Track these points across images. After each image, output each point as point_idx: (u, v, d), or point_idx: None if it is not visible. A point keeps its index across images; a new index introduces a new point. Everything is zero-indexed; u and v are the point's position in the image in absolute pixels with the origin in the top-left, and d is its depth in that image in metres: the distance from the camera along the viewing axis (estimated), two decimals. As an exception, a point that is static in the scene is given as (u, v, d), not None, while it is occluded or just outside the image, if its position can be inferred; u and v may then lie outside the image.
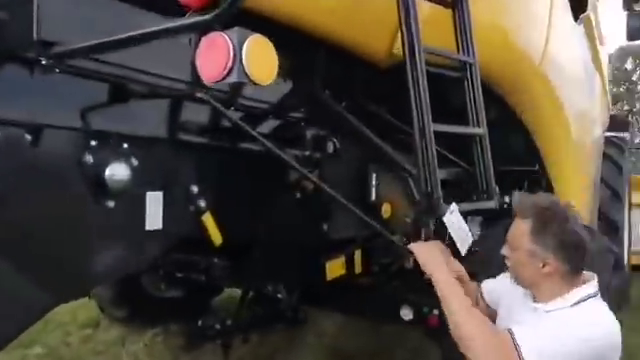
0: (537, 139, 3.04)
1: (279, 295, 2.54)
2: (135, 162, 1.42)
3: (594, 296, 1.40)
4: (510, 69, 2.52)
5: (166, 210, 1.52)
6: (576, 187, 3.51)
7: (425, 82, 1.61)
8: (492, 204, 1.76)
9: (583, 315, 1.34)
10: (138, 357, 3.61)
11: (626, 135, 5.57)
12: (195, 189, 1.62)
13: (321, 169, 2.15)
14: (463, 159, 2.26)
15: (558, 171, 3.31)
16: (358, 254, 2.53)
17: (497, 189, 1.76)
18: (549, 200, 1.50)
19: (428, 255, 1.55)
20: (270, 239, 2.15)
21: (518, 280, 1.48)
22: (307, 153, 2.12)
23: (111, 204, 1.36)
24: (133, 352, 3.69)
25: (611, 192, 4.56)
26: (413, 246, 1.60)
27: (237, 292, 5.16)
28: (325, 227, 2.21)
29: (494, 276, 1.74)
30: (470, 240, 1.59)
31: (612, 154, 4.78)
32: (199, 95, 1.47)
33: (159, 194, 1.51)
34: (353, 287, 2.78)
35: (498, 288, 1.69)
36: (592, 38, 4.19)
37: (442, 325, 2.42)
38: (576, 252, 1.38)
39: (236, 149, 1.83)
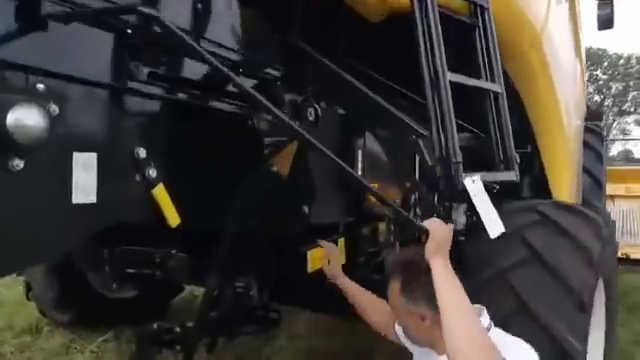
0: (531, 115, 2.81)
1: (250, 292, 2.15)
2: (55, 109, 1.02)
3: (490, 328, 1.35)
4: (512, 32, 2.24)
5: (102, 178, 1.13)
6: (567, 173, 3.30)
7: (438, 21, 1.29)
8: (512, 175, 1.46)
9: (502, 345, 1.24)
10: (83, 368, 3.14)
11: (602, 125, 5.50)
12: (143, 153, 1.23)
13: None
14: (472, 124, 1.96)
15: (551, 154, 3.09)
16: (342, 243, 2.19)
17: (517, 158, 1.45)
18: (412, 253, 1.45)
19: (442, 237, 1.28)
20: (241, 223, 1.77)
21: (414, 342, 1.48)
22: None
23: (19, 164, 0.96)
24: (78, 362, 3.22)
25: (592, 180, 4.42)
26: (431, 223, 1.29)
27: (200, 291, 4.80)
28: (306, 209, 1.86)
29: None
30: (499, 220, 1.27)
31: (592, 142, 4.65)
32: (153, 25, 1.09)
33: (92, 156, 1.11)
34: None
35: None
36: (575, 23, 4.04)
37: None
38: None
39: (199, 107, 1.46)
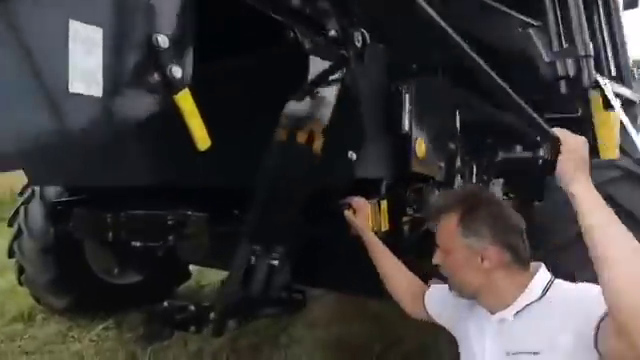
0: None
1: (274, 262, 1.81)
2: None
3: (554, 280, 1.17)
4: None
5: (108, 64, 0.81)
6: (614, 134, 3.00)
7: None
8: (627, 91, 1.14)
9: (564, 295, 1.11)
10: (83, 356, 2.81)
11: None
12: (164, 42, 0.91)
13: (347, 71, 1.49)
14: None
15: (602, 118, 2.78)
16: (385, 206, 1.87)
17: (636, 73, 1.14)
18: (471, 187, 1.37)
19: (578, 150, 1.01)
20: (276, 173, 1.46)
21: (462, 290, 1.26)
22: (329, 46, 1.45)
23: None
24: (76, 351, 2.89)
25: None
26: (562, 132, 0.98)
27: (208, 279, 4.48)
28: (353, 155, 1.54)
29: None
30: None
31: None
32: None
33: (97, 30, 0.79)
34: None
35: (445, 305, 1.43)
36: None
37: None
38: (515, 235, 1.18)
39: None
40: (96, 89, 0.78)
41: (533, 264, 1.22)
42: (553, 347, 1.04)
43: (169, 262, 3.13)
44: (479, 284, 1.20)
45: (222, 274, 2.97)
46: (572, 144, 1.02)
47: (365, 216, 1.74)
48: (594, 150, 2.77)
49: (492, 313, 1.20)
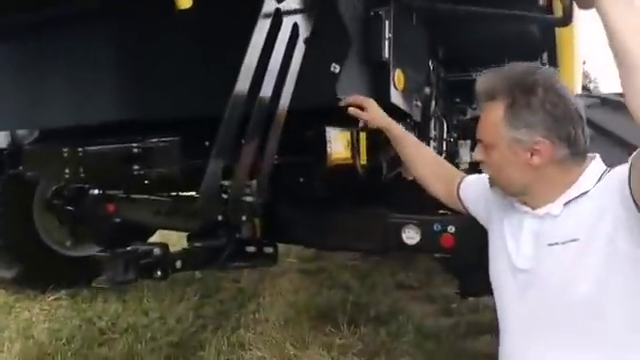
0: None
1: (248, 194, 1.66)
2: None
3: (609, 171, 1.01)
4: None
5: None
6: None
7: None
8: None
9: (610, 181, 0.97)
10: (33, 323, 2.59)
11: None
12: None
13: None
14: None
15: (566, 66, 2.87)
16: (364, 138, 1.80)
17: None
18: (523, 66, 1.05)
19: None
20: (251, 89, 1.35)
21: (507, 189, 1.10)
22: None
23: None
24: (25, 319, 2.66)
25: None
26: None
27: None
28: (336, 68, 1.47)
29: None
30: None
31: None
32: None
33: None
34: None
35: (482, 198, 1.27)
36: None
37: (459, 245, 1.84)
38: (573, 124, 1.00)
39: None
40: None
41: (589, 155, 1.06)
42: (593, 234, 0.96)
43: (128, 232, 2.96)
44: (527, 182, 1.05)
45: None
46: None
47: (372, 107, 1.52)
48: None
49: (535, 209, 1.07)
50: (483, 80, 1.08)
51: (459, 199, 1.36)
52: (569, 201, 1.02)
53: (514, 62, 1.05)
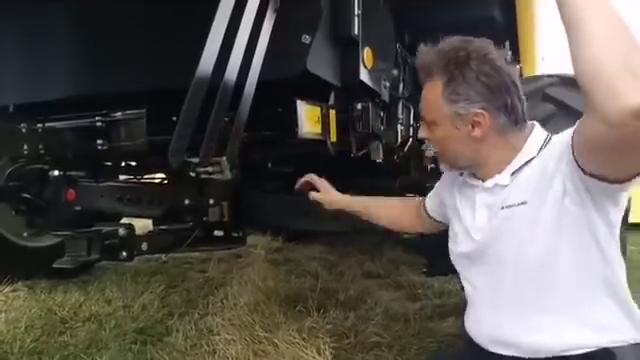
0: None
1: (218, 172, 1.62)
2: None
3: (551, 137, 1.07)
4: None
5: None
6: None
7: None
8: None
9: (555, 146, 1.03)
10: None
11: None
12: None
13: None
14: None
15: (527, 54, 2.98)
16: (333, 115, 1.81)
17: None
18: (455, 41, 1.08)
19: None
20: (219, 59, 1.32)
21: (453, 163, 1.17)
22: None
23: None
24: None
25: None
26: None
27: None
28: (307, 39, 1.46)
29: None
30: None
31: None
32: None
33: None
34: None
35: (440, 198, 1.34)
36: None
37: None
38: (509, 93, 1.04)
39: None
40: None
41: (528, 123, 1.11)
42: (542, 197, 1.00)
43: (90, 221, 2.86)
44: (473, 154, 1.10)
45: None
46: None
47: (328, 189, 1.62)
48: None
49: (485, 181, 1.12)
50: (420, 58, 1.12)
51: (429, 217, 1.41)
52: (516, 170, 1.07)
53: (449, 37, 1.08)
